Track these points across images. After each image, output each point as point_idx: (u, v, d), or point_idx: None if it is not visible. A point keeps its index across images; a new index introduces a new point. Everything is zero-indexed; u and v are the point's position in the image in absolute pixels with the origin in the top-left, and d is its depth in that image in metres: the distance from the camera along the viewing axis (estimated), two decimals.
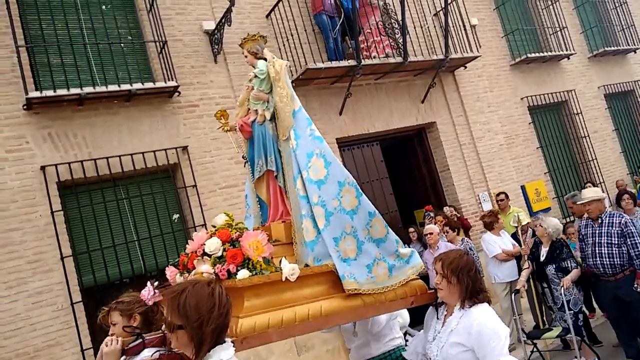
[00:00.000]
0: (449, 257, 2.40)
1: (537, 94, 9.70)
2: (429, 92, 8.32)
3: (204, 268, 2.38)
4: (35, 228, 5.31)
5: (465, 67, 8.70)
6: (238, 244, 2.42)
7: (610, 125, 10.83)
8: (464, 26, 8.43)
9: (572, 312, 4.91)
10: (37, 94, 5.45)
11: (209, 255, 2.42)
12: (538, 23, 10.31)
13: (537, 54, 9.65)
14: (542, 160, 9.59)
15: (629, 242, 4.60)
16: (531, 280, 5.75)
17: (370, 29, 7.56)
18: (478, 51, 8.55)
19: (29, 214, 5.31)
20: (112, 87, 5.80)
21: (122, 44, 6.21)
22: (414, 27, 8.06)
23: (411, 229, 7.45)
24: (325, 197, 2.64)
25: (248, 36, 3.17)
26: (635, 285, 4.56)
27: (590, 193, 5.00)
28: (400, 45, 7.53)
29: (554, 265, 5.09)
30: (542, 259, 5.20)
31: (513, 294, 5.39)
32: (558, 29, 10.08)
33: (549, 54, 9.85)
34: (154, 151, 6.01)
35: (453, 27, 8.29)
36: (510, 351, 5.50)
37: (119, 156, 5.79)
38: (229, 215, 2.67)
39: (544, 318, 6.00)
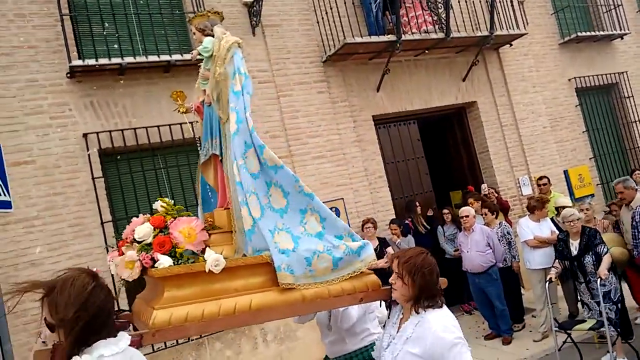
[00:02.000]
0: (405, 255, 2.26)
1: (586, 75, 9.28)
2: (471, 70, 8.08)
3: (129, 254, 2.27)
4: (77, 193, 5.49)
5: (511, 45, 8.38)
6: (168, 231, 2.30)
7: None
8: (512, 2, 8.10)
9: (610, 303, 4.74)
10: (79, 62, 5.57)
11: (138, 242, 2.30)
12: (591, 0, 9.79)
13: (588, 33, 9.19)
14: (588, 144, 9.22)
15: None
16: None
17: (412, 2, 7.35)
18: (525, 28, 8.22)
19: (72, 180, 5.49)
20: (152, 58, 5.87)
21: (162, 15, 6.25)
22: (458, 2, 7.79)
23: (445, 210, 7.33)
24: (258, 191, 2.52)
25: (197, 13, 3.00)
26: None
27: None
28: (443, 20, 7.31)
29: (591, 255, 4.90)
30: (574, 252, 5.00)
31: (547, 283, 5.21)
32: (612, 7, 9.56)
33: (601, 33, 9.37)
34: (192, 122, 6.06)
35: (500, 2, 7.97)
36: (542, 339, 5.37)
37: (158, 126, 5.88)
38: (164, 200, 2.56)
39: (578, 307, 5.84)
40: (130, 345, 1.76)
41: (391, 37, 6.95)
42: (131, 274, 2.28)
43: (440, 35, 7.28)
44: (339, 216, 6.60)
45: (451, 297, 7.34)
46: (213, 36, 2.85)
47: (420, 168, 7.91)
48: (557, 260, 5.27)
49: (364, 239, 2.73)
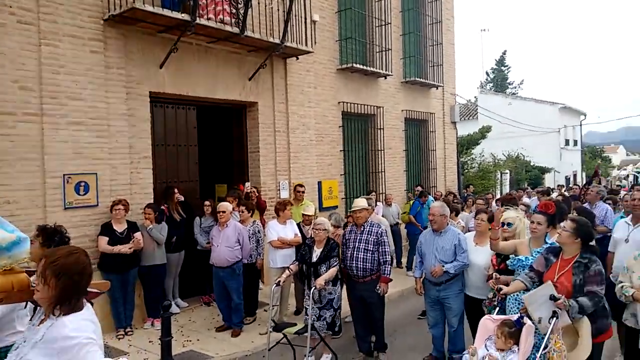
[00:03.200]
0: (54, 255, 2.15)
1: (352, 102, 10.57)
2: (258, 72, 8.38)
3: None
4: None
5: (297, 59, 8.99)
6: None
7: (402, 145, 12.44)
8: (306, 19, 8.70)
9: (332, 309, 5.32)
10: None
11: None
12: (369, 38, 11.20)
13: (361, 66, 10.49)
14: (342, 162, 10.52)
15: (381, 250, 5.35)
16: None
17: None
18: (312, 47, 8.91)
19: None
20: None
21: None
22: (259, 3, 8.00)
23: (207, 202, 7.45)
24: None
25: None
26: (378, 287, 5.35)
27: (360, 202, 5.56)
28: (241, 16, 7.39)
29: (326, 265, 5.30)
30: (314, 259, 5.40)
31: (274, 285, 5.53)
32: (384, 50, 11.12)
33: (372, 69, 10.80)
34: None
35: (295, 16, 8.48)
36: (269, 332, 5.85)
37: None
38: None
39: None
40: None
41: (185, 16, 6.70)
42: None
43: (236, 30, 7.35)
44: (86, 192, 6.11)
45: (195, 288, 7.60)
46: None
47: (190, 156, 7.86)
48: (295, 263, 5.64)
49: (22, 234, 2.56)
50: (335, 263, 5.33)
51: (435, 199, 10.72)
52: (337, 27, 10.31)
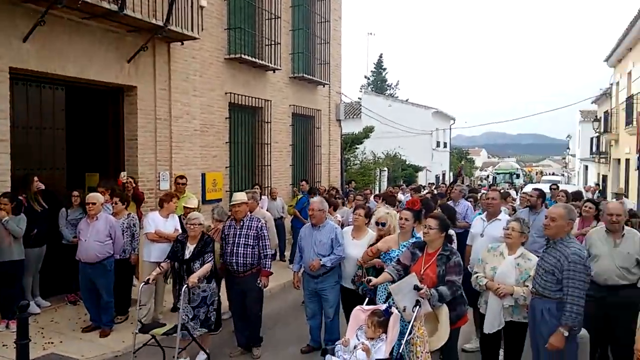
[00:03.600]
0: None
1: (240, 94, 10.42)
2: (139, 55, 7.88)
3: None
4: None
5: (182, 44, 8.61)
6: None
7: (289, 139, 12.56)
8: (192, 3, 8.35)
9: (206, 307, 5.13)
10: None
11: None
12: (259, 30, 11.12)
13: (250, 58, 10.37)
14: (227, 154, 10.33)
15: (261, 244, 5.33)
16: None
17: None
18: (199, 33, 8.60)
19: None
20: None
21: None
22: None
23: (75, 193, 6.85)
24: None
25: None
26: (259, 282, 5.34)
27: (240, 196, 5.48)
28: None
29: (200, 262, 5.10)
30: (187, 256, 5.12)
31: (142, 284, 5.19)
32: (273, 43, 11.12)
33: (261, 62, 10.73)
34: None
35: None
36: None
37: None
38: None
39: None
40: None
41: None
42: None
43: (114, 7, 6.82)
44: None
45: (59, 286, 6.94)
46: None
47: (57, 141, 7.15)
48: (167, 260, 5.25)
49: None
50: (210, 259, 5.15)
51: (319, 193, 11.00)
52: (226, 15, 10.06)
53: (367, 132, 20.85)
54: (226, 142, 10.21)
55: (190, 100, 9.07)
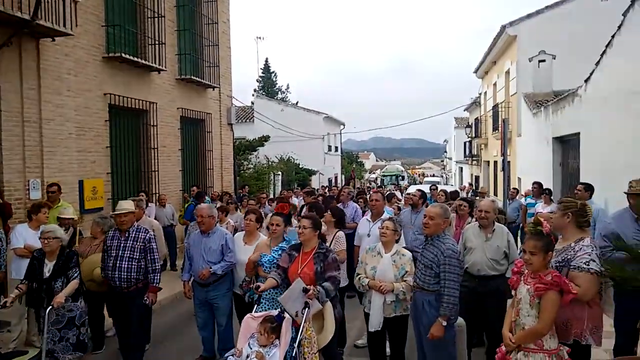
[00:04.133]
0: None
1: (122, 95, 9.79)
2: (2, 50, 7.07)
3: None
4: None
5: (54, 40, 7.88)
6: None
7: (178, 144, 12.08)
8: None
9: (75, 328, 4.70)
10: None
11: None
12: (141, 29, 10.55)
13: (132, 57, 9.79)
14: (109, 159, 9.64)
15: (149, 258, 4.98)
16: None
17: None
18: (72, 29, 7.92)
19: None
20: None
21: None
22: None
23: None
24: None
25: None
26: (146, 298, 4.99)
27: (126, 204, 5.10)
28: None
29: (63, 280, 4.66)
30: (47, 275, 4.64)
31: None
32: (157, 43, 10.61)
33: (143, 62, 10.18)
34: None
35: None
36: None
37: None
38: None
39: None
40: None
41: None
42: None
43: None
44: None
45: None
46: None
47: None
48: (24, 282, 4.70)
49: None
50: (76, 274, 4.74)
51: (212, 199, 10.71)
52: (104, 11, 9.40)
53: (262, 140, 20.86)
54: (107, 147, 9.52)
55: (64, 101, 8.32)
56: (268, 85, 44.70)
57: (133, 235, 4.99)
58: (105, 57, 9.37)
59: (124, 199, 5.94)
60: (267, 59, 47.82)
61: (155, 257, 5.06)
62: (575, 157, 9.23)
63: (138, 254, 4.94)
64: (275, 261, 4.50)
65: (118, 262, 4.90)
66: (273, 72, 45.99)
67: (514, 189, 11.72)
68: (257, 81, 44.20)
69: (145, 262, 4.99)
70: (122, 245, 4.96)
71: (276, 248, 4.62)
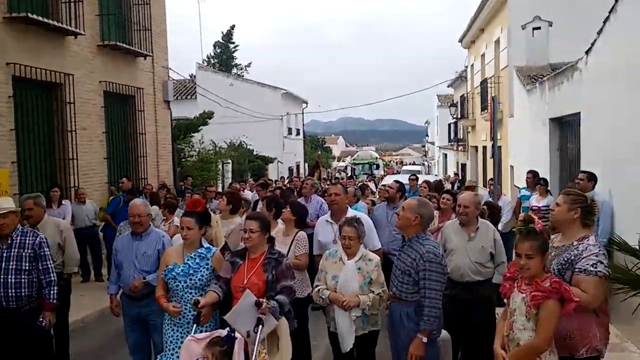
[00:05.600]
0: None
1: (28, 65, 9.41)
2: None
3: None
4: None
5: None
6: None
7: (102, 126, 11.74)
8: None
9: None
10: None
11: None
12: None
13: (40, 18, 9.42)
14: (14, 145, 9.29)
15: (41, 268, 4.72)
16: None
17: None
18: None
19: None
20: None
21: None
22: None
23: None
24: None
25: None
26: (41, 320, 4.74)
27: (5, 203, 4.71)
28: None
29: None
30: None
31: None
32: (73, 0, 10.24)
33: (56, 23, 9.83)
34: None
35: None
36: None
37: None
38: None
39: None
40: None
41: None
42: None
43: None
44: None
45: None
46: None
47: None
48: None
49: None
50: None
51: (146, 194, 10.45)
52: None
53: (205, 117, 20.47)
54: (11, 129, 9.16)
55: None
56: (224, 56, 43.96)
57: (17, 240, 4.72)
58: (7, 18, 9.02)
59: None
60: (233, 25, 46.31)
61: (49, 266, 4.82)
62: (575, 141, 9.45)
63: (28, 264, 4.70)
64: (190, 272, 4.39)
65: (2, 276, 4.64)
66: (234, 42, 45.13)
67: (491, 179, 11.39)
68: (212, 52, 43.29)
69: (37, 274, 4.75)
70: (4, 255, 4.68)
71: (192, 255, 4.46)
